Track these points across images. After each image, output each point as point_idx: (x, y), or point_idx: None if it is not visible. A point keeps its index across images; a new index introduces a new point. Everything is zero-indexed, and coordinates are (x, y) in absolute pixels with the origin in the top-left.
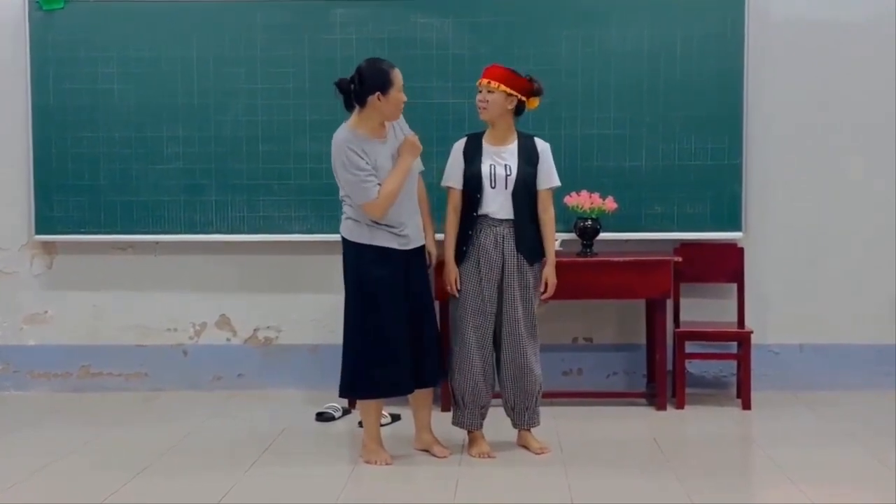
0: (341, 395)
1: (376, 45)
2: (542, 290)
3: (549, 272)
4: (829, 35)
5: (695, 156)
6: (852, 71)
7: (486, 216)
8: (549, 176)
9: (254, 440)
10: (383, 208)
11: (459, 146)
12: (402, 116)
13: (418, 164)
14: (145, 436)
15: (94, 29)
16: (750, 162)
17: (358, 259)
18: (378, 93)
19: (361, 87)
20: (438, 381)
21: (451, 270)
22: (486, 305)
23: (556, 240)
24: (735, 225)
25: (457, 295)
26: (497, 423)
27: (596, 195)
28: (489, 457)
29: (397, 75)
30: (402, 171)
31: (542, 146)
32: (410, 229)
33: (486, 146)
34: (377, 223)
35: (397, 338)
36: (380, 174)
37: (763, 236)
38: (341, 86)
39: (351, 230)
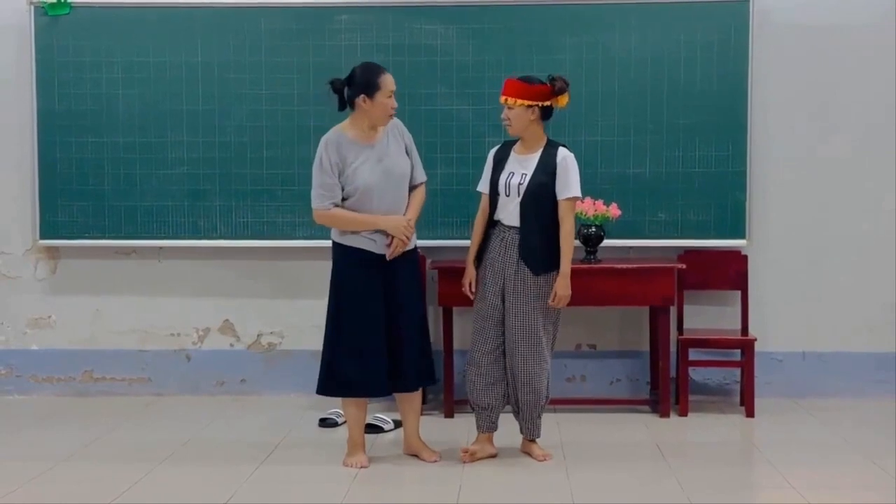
0: (318, 391)
1: (380, 51)
2: (551, 300)
3: (559, 284)
4: (833, 41)
5: (699, 163)
6: (857, 77)
7: (499, 222)
8: (564, 186)
9: (257, 445)
10: (322, 222)
11: (492, 152)
12: (400, 122)
13: (405, 169)
14: (148, 440)
15: (99, 34)
16: (754, 169)
17: (339, 260)
18: (363, 95)
19: (350, 88)
20: (419, 385)
21: (467, 273)
22: (489, 310)
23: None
24: (739, 232)
25: (470, 296)
26: (504, 426)
27: (600, 202)
28: (468, 454)
29: (387, 80)
30: (367, 220)
31: (562, 156)
32: (380, 237)
33: (514, 154)
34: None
35: (368, 339)
36: (357, 175)
37: (767, 244)
38: (334, 86)
39: (336, 232)
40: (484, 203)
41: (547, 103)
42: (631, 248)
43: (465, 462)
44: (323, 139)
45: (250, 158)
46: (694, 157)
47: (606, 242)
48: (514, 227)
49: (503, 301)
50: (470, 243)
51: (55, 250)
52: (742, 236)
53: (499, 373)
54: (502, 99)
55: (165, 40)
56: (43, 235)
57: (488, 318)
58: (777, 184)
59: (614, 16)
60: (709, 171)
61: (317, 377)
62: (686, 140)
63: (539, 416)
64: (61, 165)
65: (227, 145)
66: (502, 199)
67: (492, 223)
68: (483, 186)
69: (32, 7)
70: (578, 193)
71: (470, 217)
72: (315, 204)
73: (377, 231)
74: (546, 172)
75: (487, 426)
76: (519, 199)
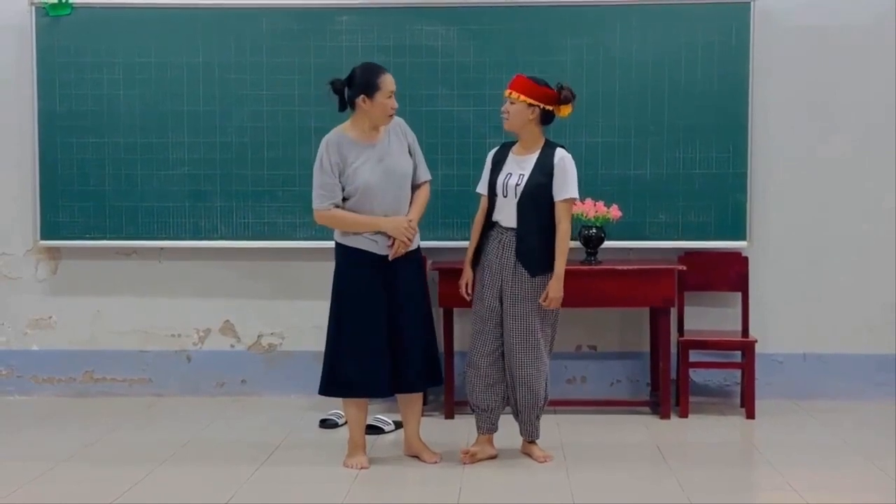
0: (320, 392)
1: (381, 52)
2: (542, 299)
3: (551, 285)
4: (833, 42)
5: (699, 164)
6: (858, 78)
7: (497, 223)
8: (561, 187)
9: (257, 446)
10: (323, 223)
11: (491, 154)
12: (403, 121)
13: (407, 168)
14: (148, 441)
15: (101, 35)
16: (755, 171)
17: (341, 261)
18: (363, 95)
19: (350, 88)
20: (422, 386)
21: (464, 274)
22: (487, 312)
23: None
24: (739, 234)
25: (466, 298)
26: (505, 427)
27: (600, 203)
28: (468, 455)
29: (386, 81)
30: (368, 221)
31: (559, 157)
32: (381, 238)
33: (512, 155)
34: None
35: (369, 339)
36: (358, 175)
37: (767, 245)
38: (335, 86)
39: (339, 232)
40: (483, 205)
41: (549, 107)
42: (631, 249)
43: (465, 463)
44: (324, 140)
45: (251, 159)
46: (695, 158)
47: (607, 244)
48: (511, 229)
49: (501, 303)
50: (469, 244)
51: (56, 251)
52: (743, 238)
53: (498, 374)
54: (507, 92)
55: (166, 41)
56: (44, 236)
57: (487, 319)
58: (777, 185)
59: (615, 17)
60: (709, 173)
61: (317, 378)
62: (687, 141)
63: (538, 418)
64: (62, 166)
65: (228, 146)
66: (500, 200)
67: (490, 224)
68: (482, 188)
69: (33, 7)
70: (576, 195)
71: (471, 218)
72: (316, 204)
73: (379, 231)
74: (543, 173)
75: (487, 427)
76: (516, 200)
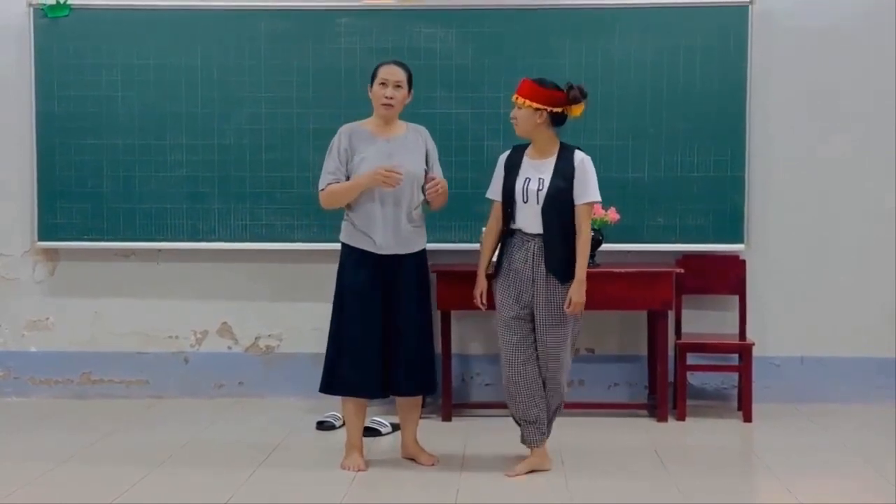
0: (320, 390)
1: (380, 54)
2: (566, 306)
3: (574, 290)
4: (833, 43)
5: (697, 167)
6: (858, 79)
7: (519, 230)
8: (583, 191)
9: (254, 448)
10: (322, 201)
11: (502, 158)
12: (427, 132)
13: (415, 169)
14: (146, 443)
15: (99, 36)
16: (752, 174)
17: (343, 259)
18: (369, 85)
19: None
20: (415, 392)
21: (478, 283)
22: (518, 323)
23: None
24: (737, 237)
25: (481, 308)
26: (505, 430)
27: (598, 206)
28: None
29: (381, 70)
30: (353, 184)
31: (579, 160)
32: (380, 237)
33: (526, 159)
34: (357, 226)
35: (366, 340)
36: (362, 166)
37: (765, 248)
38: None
39: (342, 230)
40: (496, 211)
41: (558, 109)
42: (629, 252)
43: (512, 476)
44: (340, 128)
45: (249, 161)
46: (693, 161)
47: (605, 247)
48: (537, 235)
49: (530, 310)
50: (481, 252)
51: (54, 252)
52: (740, 241)
53: (538, 382)
54: (513, 97)
55: (165, 43)
56: (42, 237)
57: (518, 330)
58: (776, 188)
59: (614, 20)
60: (707, 176)
61: (315, 380)
62: (685, 144)
63: (554, 418)
64: (60, 167)
65: (227, 148)
66: (519, 205)
67: (510, 232)
68: (494, 193)
69: (32, 9)
70: (597, 198)
71: (469, 220)
72: (320, 188)
73: (376, 231)
74: (564, 177)
75: (539, 438)
76: (539, 207)
